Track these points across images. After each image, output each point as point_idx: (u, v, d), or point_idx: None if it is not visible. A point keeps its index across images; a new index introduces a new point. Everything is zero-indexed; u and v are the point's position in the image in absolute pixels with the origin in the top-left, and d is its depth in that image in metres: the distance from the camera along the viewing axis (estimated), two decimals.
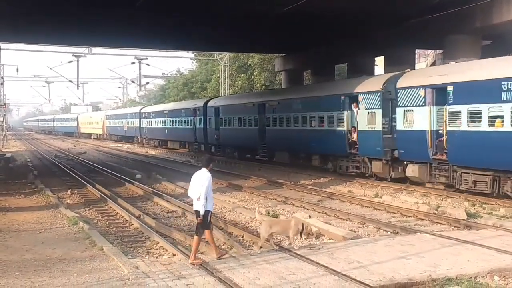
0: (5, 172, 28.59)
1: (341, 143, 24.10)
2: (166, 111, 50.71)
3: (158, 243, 12.15)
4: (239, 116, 34.92)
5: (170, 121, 48.89)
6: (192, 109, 43.44)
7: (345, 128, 23.93)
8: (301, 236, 11.21)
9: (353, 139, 23.42)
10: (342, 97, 24.41)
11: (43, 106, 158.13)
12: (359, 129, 23.03)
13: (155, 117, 54.12)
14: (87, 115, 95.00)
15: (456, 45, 24.33)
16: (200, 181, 9.82)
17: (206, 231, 9.99)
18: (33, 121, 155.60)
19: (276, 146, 30.73)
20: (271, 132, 30.95)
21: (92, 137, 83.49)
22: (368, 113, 22.40)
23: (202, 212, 9.74)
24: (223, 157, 36.20)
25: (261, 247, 11.06)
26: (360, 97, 23.09)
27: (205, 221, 9.86)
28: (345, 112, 24.04)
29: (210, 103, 40.26)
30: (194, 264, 9.47)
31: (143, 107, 63.48)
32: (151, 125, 55.30)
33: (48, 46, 48.72)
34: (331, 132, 24.90)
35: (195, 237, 9.96)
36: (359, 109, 23.13)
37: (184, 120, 45.08)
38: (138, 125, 60.12)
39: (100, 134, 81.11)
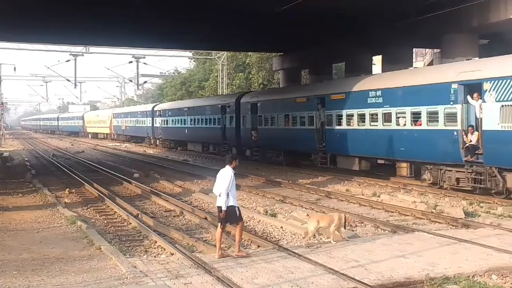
0: (2, 171, 28.59)
1: (452, 148, 18.31)
2: (186, 109, 45.01)
3: (156, 242, 12.14)
4: (286, 113, 29.01)
5: (191, 120, 43.02)
6: (220, 106, 37.42)
7: (458, 128, 18.12)
8: (345, 228, 11.61)
9: (472, 143, 17.69)
10: (454, 86, 18.22)
11: (41, 105, 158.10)
12: (484, 129, 17.24)
13: (172, 115, 47.97)
14: (94, 113, 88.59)
15: (453, 44, 24.37)
16: (223, 178, 10.06)
17: (238, 225, 10.25)
18: (34, 120, 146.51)
19: (341, 149, 24.54)
20: (333, 133, 25.01)
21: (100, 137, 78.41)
22: (504, 107, 16.42)
23: (224, 208, 9.98)
24: (261, 161, 31.29)
25: (308, 241, 11.40)
26: (486, 85, 17.01)
27: (234, 216, 10.14)
28: (458, 106, 18.14)
29: (245, 99, 34.11)
30: (237, 256, 9.93)
31: (157, 104, 57.19)
32: (167, 124, 49.35)
33: (46, 45, 48.66)
34: (433, 133, 19.17)
35: (236, 231, 10.34)
36: (483, 101, 17.30)
37: (210, 119, 39.24)
38: (150, 124, 54.42)
39: (107, 134, 75.22)
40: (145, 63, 60.10)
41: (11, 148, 53.23)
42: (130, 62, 57.44)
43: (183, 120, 45.15)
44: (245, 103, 34.02)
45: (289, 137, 28.65)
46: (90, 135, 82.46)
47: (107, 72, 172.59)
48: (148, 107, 57.65)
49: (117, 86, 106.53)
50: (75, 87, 66.35)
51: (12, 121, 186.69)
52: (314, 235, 11.47)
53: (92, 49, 51.93)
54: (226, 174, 10.09)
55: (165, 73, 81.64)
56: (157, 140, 53.14)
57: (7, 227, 14.06)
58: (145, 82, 79.33)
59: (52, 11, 24.28)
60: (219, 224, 10.36)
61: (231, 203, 10.04)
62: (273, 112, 30.63)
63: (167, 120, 49.53)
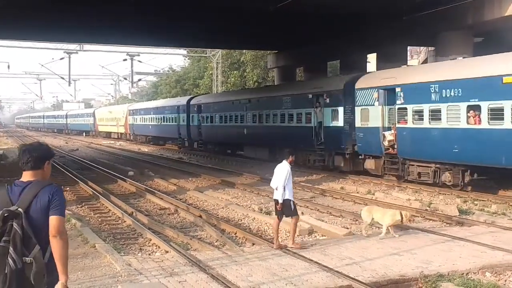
0: None
1: None
2: (247, 100, 33.25)
3: (150, 240, 12.14)
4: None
5: (253, 116, 31.99)
6: (310, 96, 25.92)
7: None
8: (402, 223, 11.80)
9: None
10: None
11: (35, 103, 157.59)
12: None
13: (225, 110, 36.03)
14: (106, 109, 75.74)
15: (448, 42, 24.42)
16: (280, 173, 10.44)
17: (293, 218, 10.56)
18: (35, 118, 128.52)
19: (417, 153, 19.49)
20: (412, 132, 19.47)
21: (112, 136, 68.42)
22: None
23: (280, 201, 10.38)
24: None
25: (366, 231, 11.72)
26: None
27: (289, 209, 10.48)
28: None
29: (360, 84, 22.50)
30: (292, 248, 10.25)
31: (194, 97, 44.54)
32: (213, 122, 37.59)
33: (40, 43, 48.52)
34: None
35: (291, 224, 10.64)
36: None
37: (294, 115, 27.47)
38: (184, 123, 42.59)
39: (121, 134, 63.92)
40: (139, 61, 60.19)
41: (5, 146, 53.01)
42: (125, 60, 57.60)
43: (239, 116, 34.03)
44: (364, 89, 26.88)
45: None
46: (101, 135, 73.28)
47: (101, 70, 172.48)
48: (181, 100, 45.91)
49: (111, 84, 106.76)
50: (69, 85, 66.51)
51: (6, 119, 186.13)
52: (369, 226, 11.89)
53: (87, 46, 51.85)
54: (283, 169, 10.46)
55: (159, 71, 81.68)
56: (197, 143, 41.40)
57: None
58: (140, 80, 79.37)
59: (46, 8, 24.19)
60: (276, 216, 10.70)
61: (287, 196, 10.41)
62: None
63: (213, 117, 37.70)
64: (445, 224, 13.46)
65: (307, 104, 26.19)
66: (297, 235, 11.99)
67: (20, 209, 3.97)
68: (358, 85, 22.54)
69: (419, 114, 19.07)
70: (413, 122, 19.35)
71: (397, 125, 20.10)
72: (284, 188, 10.38)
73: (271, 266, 9.13)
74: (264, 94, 32.31)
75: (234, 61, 57.92)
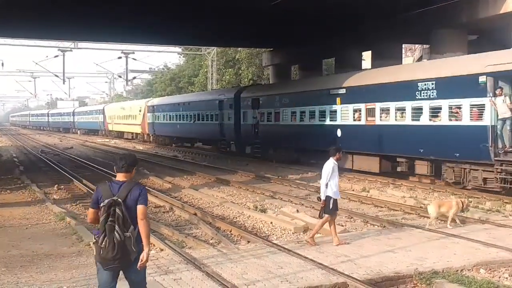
0: None
1: None
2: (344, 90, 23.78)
3: None
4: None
5: (352, 111, 23.24)
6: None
7: None
8: (463, 211, 12.43)
9: None
10: None
11: (29, 101, 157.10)
12: None
13: (296, 104, 27.36)
14: (117, 105, 67.55)
15: (442, 40, 24.45)
16: (324, 170, 10.51)
17: (327, 216, 10.50)
18: (38, 116, 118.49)
19: None
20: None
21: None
22: None
23: (322, 198, 10.43)
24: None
25: (430, 225, 12.05)
26: None
27: (327, 206, 10.43)
28: None
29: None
30: (307, 242, 10.32)
31: (246, 88, 35.23)
32: (277, 120, 29.02)
33: (34, 40, 48.37)
34: None
35: (320, 220, 10.72)
36: None
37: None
38: (230, 121, 33.70)
39: (137, 134, 56.27)
40: (134, 59, 60.06)
41: None
42: (119, 57, 57.51)
43: (318, 113, 25.63)
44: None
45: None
46: (112, 134, 65.63)
47: (96, 68, 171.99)
48: (225, 92, 36.79)
49: (106, 82, 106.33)
50: (63, 83, 66.37)
51: (0, 117, 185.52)
52: (436, 219, 12.27)
53: (81, 44, 51.79)
54: (327, 166, 10.52)
55: (154, 68, 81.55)
56: (252, 148, 31.52)
57: None
58: (134, 77, 79.31)
59: (40, 5, 24.09)
60: (325, 215, 10.62)
61: (328, 193, 10.43)
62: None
63: (279, 114, 28.78)
64: (439, 221, 13.49)
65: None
66: (293, 233, 12.01)
67: (119, 199, 5.58)
68: None
69: None
70: None
71: None
72: (326, 185, 10.42)
73: (266, 263, 9.13)
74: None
75: (229, 59, 57.89)
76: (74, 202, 17.46)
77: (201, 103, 39.34)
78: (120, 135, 62.26)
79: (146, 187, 21.03)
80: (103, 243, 5.54)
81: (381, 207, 15.79)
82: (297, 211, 14.80)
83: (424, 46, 36.70)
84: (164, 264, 9.18)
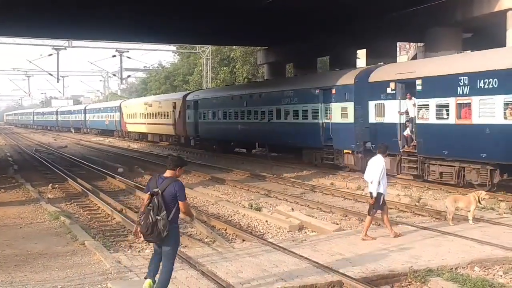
0: None
1: None
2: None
3: (140, 237, 12.06)
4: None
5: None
6: None
7: None
8: (480, 203, 12.34)
9: None
10: None
11: (23, 100, 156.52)
12: None
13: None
14: (139, 101, 55.40)
15: (437, 38, 24.50)
16: (375, 167, 10.65)
17: (381, 213, 10.92)
18: (41, 115, 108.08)
19: None
20: None
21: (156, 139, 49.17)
22: None
23: (374, 194, 10.64)
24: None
25: (451, 221, 12.11)
26: None
27: (378, 203, 10.69)
28: None
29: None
30: (364, 240, 10.53)
31: (368, 69, 23.12)
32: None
33: (28, 39, 48.16)
34: None
35: (368, 216, 10.92)
36: None
37: None
38: (339, 120, 23.02)
39: (169, 136, 45.23)
40: (128, 57, 59.89)
41: None
42: (114, 56, 57.15)
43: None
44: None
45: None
46: (131, 136, 55.39)
47: (90, 66, 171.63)
48: (312, 80, 27.02)
49: (100, 81, 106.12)
50: (57, 82, 66.04)
51: None
52: (453, 214, 12.17)
53: (75, 43, 51.54)
54: (378, 163, 10.67)
55: (149, 67, 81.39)
56: (356, 155, 22.29)
57: None
58: (129, 76, 79.12)
59: (35, 4, 23.99)
60: (373, 210, 10.85)
61: (380, 190, 10.62)
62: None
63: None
64: (434, 219, 13.52)
65: None
66: (288, 231, 12.01)
67: (159, 190, 6.99)
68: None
69: None
70: None
71: None
72: (379, 182, 10.56)
73: (261, 262, 9.13)
74: None
75: (224, 57, 57.81)
76: (69, 201, 17.40)
77: (281, 94, 27.86)
78: (141, 137, 52.04)
79: (142, 186, 21.00)
80: (142, 222, 7.05)
81: None
82: (292, 209, 14.80)
83: (419, 44, 36.76)
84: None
